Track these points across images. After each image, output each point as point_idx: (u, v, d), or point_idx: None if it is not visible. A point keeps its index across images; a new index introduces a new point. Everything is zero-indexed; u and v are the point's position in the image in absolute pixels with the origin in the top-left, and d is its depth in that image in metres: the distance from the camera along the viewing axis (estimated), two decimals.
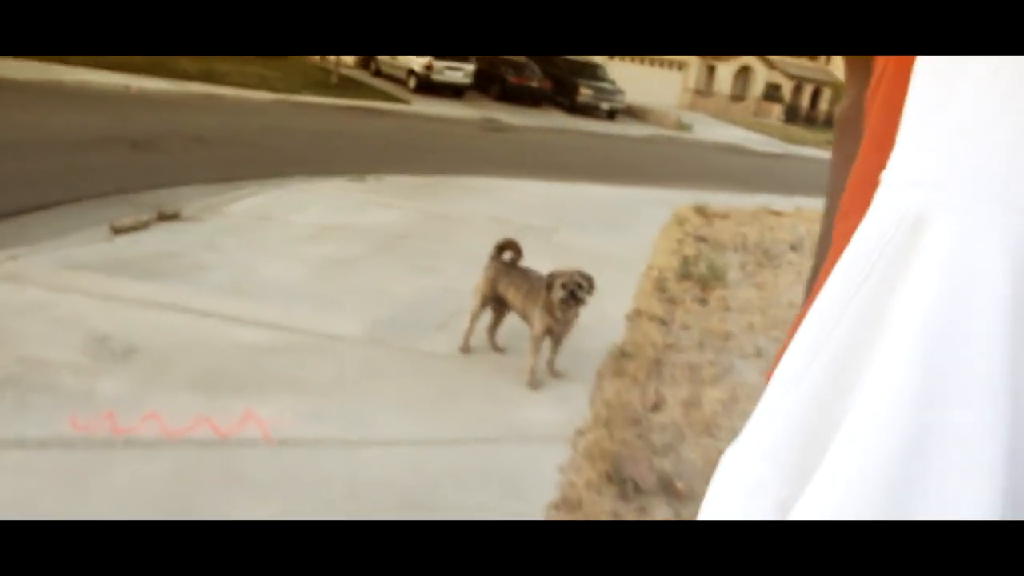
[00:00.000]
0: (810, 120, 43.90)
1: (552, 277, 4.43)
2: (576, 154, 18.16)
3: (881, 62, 0.80)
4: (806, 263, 8.27)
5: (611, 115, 29.11)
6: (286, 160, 11.58)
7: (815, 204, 15.04)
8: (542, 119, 24.75)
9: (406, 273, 6.34)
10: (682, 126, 29.92)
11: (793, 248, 9.15)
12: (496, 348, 4.93)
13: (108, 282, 5.18)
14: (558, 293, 4.36)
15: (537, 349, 4.53)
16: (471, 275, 6.54)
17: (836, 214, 0.94)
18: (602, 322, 5.56)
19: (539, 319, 4.49)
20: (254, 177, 9.78)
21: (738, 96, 42.63)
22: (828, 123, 43.90)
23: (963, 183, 0.67)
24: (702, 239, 9.22)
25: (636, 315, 5.86)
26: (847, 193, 0.91)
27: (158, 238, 6.46)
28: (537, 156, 16.76)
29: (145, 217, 6.91)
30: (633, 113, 31.18)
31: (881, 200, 0.75)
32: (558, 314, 4.46)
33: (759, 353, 5.33)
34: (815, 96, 45.71)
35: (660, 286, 6.71)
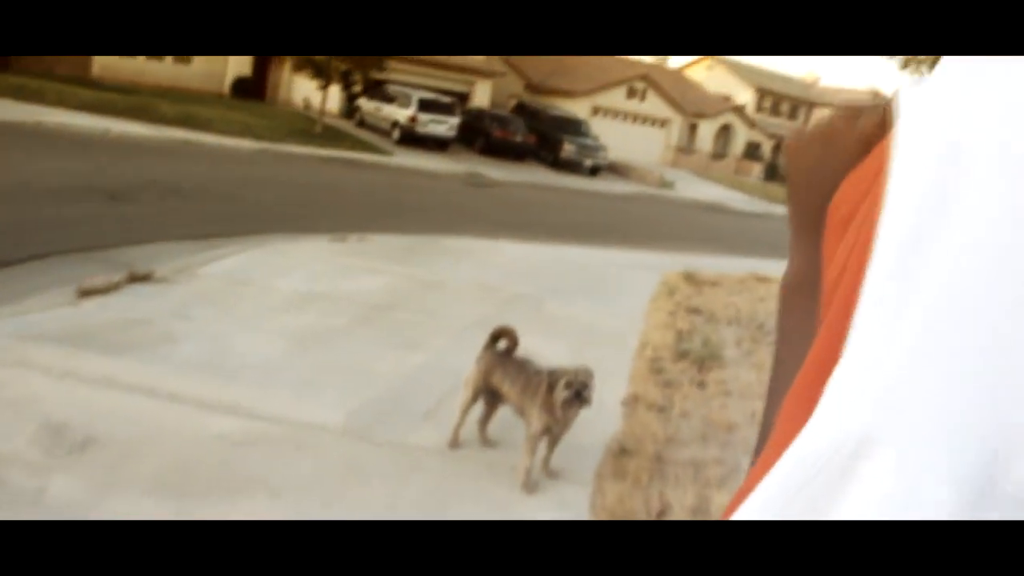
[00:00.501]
0: None
1: (555, 375, 4.11)
2: (560, 213, 17.97)
3: (842, 258, 0.67)
4: None
5: (594, 171, 29.00)
6: (267, 216, 11.27)
7: None
8: (525, 174, 24.61)
9: (389, 349, 6.00)
10: (665, 183, 29.91)
11: None
12: (487, 442, 4.58)
13: (69, 357, 4.80)
14: (562, 394, 4.04)
15: (533, 449, 4.19)
16: (458, 352, 6.23)
17: (778, 408, 0.77)
18: (598, 410, 5.20)
19: (537, 417, 4.16)
20: (232, 234, 9.46)
21: (719, 154, 42.86)
22: None
23: (911, 409, 0.59)
24: (695, 311, 8.95)
25: (633, 401, 5.54)
26: (793, 392, 0.74)
27: (127, 303, 6.09)
28: (521, 214, 16.55)
29: (116, 278, 6.54)
30: (616, 170, 31.15)
31: (822, 415, 0.65)
32: (559, 414, 4.13)
33: None
34: None
35: (655, 367, 6.40)
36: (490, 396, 4.50)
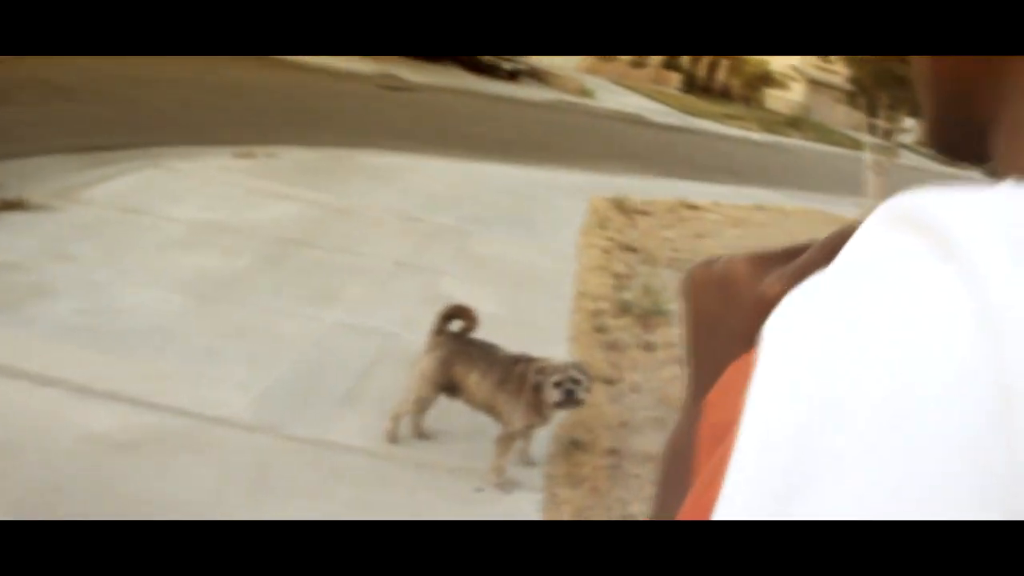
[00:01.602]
0: (707, 90, 43.83)
1: (541, 372, 3.51)
2: (481, 123, 17.11)
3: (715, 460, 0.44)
4: None
5: (513, 76, 28.01)
6: (164, 121, 10.19)
7: (727, 194, 14.53)
8: (443, 77, 23.48)
9: (299, 302, 5.27)
10: (585, 92, 29.16)
11: None
12: (422, 434, 3.94)
13: None
14: (552, 394, 3.46)
15: (510, 448, 3.63)
16: (377, 304, 5.56)
17: None
18: None
19: (520, 416, 3.58)
20: (126, 145, 8.42)
21: (638, 62, 42.08)
22: (725, 94, 44.06)
23: None
24: (630, 248, 8.42)
25: None
26: None
27: None
28: (440, 124, 15.65)
29: None
30: (536, 75, 30.18)
31: None
32: (547, 412, 3.56)
33: None
34: (712, 66, 45.64)
35: (597, 324, 5.85)
36: (446, 389, 3.87)
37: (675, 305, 6.62)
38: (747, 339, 0.45)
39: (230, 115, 11.81)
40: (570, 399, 3.47)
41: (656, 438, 4.36)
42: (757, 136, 29.62)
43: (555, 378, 3.46)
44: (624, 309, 6.22)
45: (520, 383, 3.58)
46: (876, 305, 0.32)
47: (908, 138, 18.18)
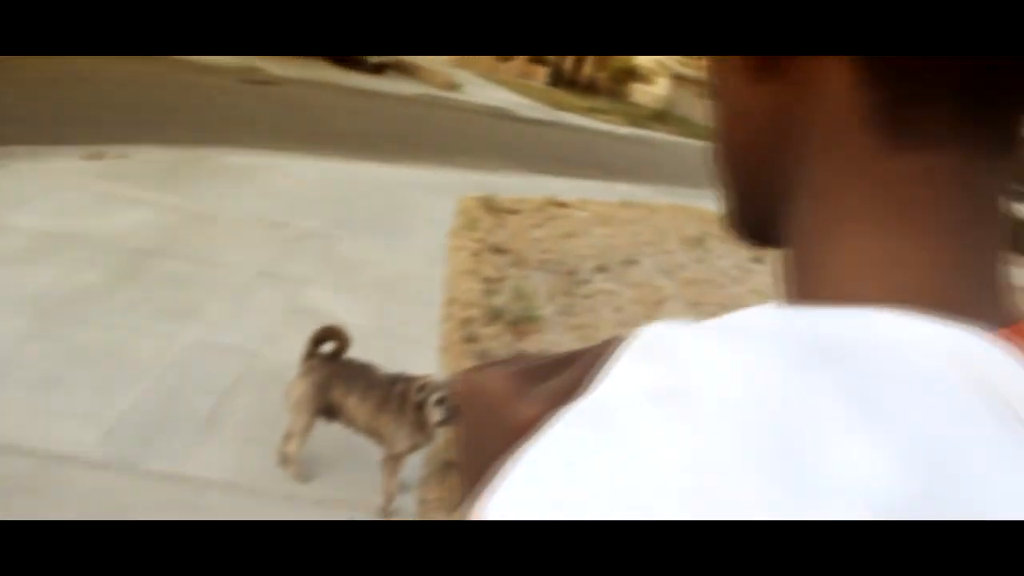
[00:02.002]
0: (573, 84, 44.34)
1: (422, 390, 3.40)
2: (346, 118, 16.77)
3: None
4: (621, 293, 7.63)
5: (378, 69, 27.60)
6: (6, 119, 9.53)
7: (596, 190, 14.69)
8: (307, 70, 22.92)
9: (154, 319, 4.99)
10: (453, 85, 29.03)
11: (600, 270, 8.48)
12: (289, 463, 3.75)
13: None
14: (435, 413, 3.36)
15: (397, 470, 3.54)
16: (237, 319, 5.32)
17: None
18: None
19: (404, 437, 3.49)
20: None
21: (505, 56, 42.17)
22: (591, 88, 44.65)
23: None
24: (499, 250, 8.37)
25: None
26: None
27: None
28: (305, 119, 15.25)
29: None
30: (401, 68, 29.85)
31: None
32: (431, 432, 3.47)
33: None
34: (579, 60, 46.18)
35: (467, 334, 5.77)
36: (323, 414, 3.70)
37: (547, 310, 6.62)
38: (504, 457, 0.43)
39: (77, 111, 11.16)
40: (453, 416, 3.38)
41: None
42: (623, 130, 30.14)
43: (437, 395, 3.37)
44: (495, 316, 6.16)
45: (401, 403, 3.47)
46: (602, 458, 0.33)
47: None
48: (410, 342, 5.50)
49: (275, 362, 4.63)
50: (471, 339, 5.68)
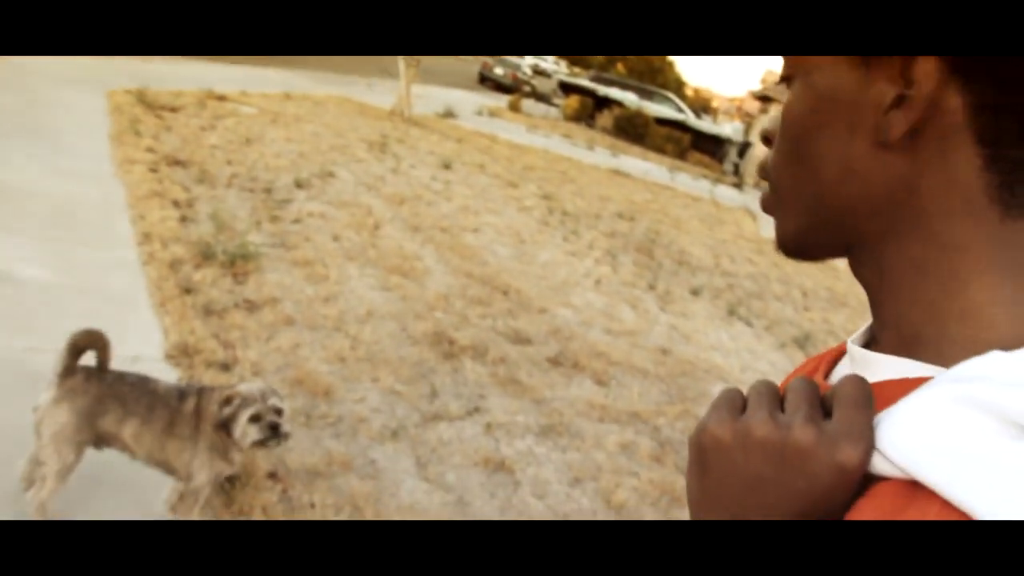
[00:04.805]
0: None
1: (230, 405, 2.64)
2: None
3: None
4: (331, 216, 6.92)
5: None
6: None
7: (252, 79, 13.47)
8: None
9: None
10: None
11: (298, 186, 7.68)
12: (42, 509, 2.81)
13: None
14: (250, 433, 2.64)
15: (195, 508, 2.78)
16: None
17: None
18: None
19: (203, 466, 2.71)
20: None
21: None
22: None
23: None
24: (177, 162, 7.30)
25: (184, 356, 4.09)
26: None
27: None
28: None
29: None
30: None
31: None
32: (236, 456, 2.74)
33: (396, 434, 4.00)
34: None
35: (181, 281, 4.90)
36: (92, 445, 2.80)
37: (258, 241, 5.86)
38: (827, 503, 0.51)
39: None
40: (276, 435, 2.71)
41: (313, 443, 3.71)
42: None
43: (251, 411, 2.67)
44: (204, 255, 5.30)
45: (195, 423, 2.72)
46: None
47: None
48: (115, 299, 4.54)
49: None
50: (188, 288, 4.82)
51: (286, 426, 2.75)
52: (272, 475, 3.39)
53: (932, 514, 0.45)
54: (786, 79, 0.62)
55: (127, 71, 10.85)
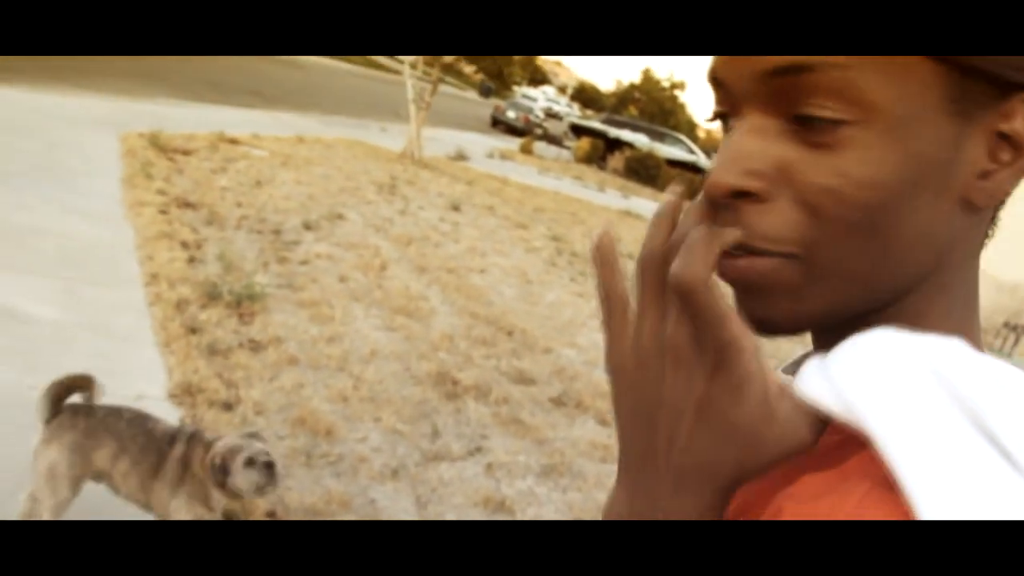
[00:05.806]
0: None
1: (223, 450, 2.65)
2: None
3: None
4: (338, 257, 7.00)
5: None
6: None
7: (263, 123, 13.66)
8: None
9: None
10: None
11: (307, 227, 7.77)
12: None
13: None
14: (247, 477, 2.64)
15: None
16: None
17: None
18: None
19: (181, 511, 2.71)
20: None
21: None
22: None
23: None
24: (187, 204, 7.39)
25: (187, 396, 4.13)
26: None
27: None
28: None
29: None
30: None
31: None
32: (217, 503, 2.75)
33: (396, 473, 4.02)
34: None
35: (187, 321, 4.95)
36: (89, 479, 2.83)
37: (265, 282, 5.91)
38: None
39: None
40: (272, 478, 2.72)
41: (313, 482, 3.73)
42: None
43: (244, 456, 2.67)
44: (211, 296, 5.35)
45: (182, 468, 2.73)
46: None
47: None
48: (121, 337, 4.59)
49: None
50: (193, 328, 4.87)
51: (279, 466, 2.76)
52: (271, 514, 3.40)
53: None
54: (832, 121, 0.47)
55: (142, 113, 11.02)
